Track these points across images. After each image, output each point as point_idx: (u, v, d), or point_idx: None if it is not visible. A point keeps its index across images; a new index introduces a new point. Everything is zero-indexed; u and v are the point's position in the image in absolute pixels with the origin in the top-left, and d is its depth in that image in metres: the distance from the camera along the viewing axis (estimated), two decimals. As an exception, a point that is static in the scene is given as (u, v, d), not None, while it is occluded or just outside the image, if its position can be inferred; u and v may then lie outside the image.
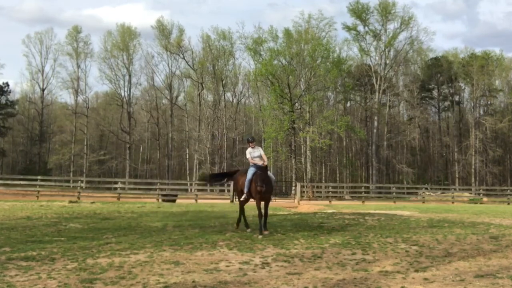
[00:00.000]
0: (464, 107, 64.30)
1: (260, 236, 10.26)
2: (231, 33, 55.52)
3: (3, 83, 57.52)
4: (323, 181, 50.67)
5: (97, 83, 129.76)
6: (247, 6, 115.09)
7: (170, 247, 8.81)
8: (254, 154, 11.23)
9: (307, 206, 23.98)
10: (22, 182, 30.67)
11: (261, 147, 12.13)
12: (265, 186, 10.63)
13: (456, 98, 63.93)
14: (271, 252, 8.51)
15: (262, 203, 10.96)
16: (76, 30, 58.82)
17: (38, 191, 27.29)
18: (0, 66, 71.15)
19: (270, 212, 18.11)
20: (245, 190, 11.03)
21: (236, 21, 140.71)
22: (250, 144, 11.32)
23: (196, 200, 28.12)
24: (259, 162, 11.08)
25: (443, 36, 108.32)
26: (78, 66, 58.47)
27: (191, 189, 35.84)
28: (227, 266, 7.31)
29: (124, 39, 58.08)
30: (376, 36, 55.45)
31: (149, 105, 63.70)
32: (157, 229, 11.64)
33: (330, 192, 35.19)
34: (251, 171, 11.02)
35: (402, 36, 55.64)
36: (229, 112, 57.92)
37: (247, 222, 11.58)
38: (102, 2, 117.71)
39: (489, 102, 62.71)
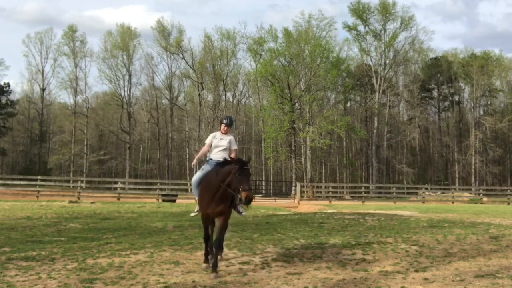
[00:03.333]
0: (464, 107, 64.33)
1: (204, 265, 7.21)
2: (235, 33, 55.60)
3: (4, 83, 57.51)
4: (323, 181, 50.67)
5: (97, 83, 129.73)
6: (248, 7, 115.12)
7: (170, 247, 8.81)
8: (220, 142, 7.62)
9: (307, 206, 23.99)
10: (22, 182, 30.68)
11: (236, 139, 8.31)
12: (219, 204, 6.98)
13: (456, 98, 63.97)
14: (271, 252, 8.51)
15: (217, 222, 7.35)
16: (72, 29, 58.61)
17: (38, 191, 27.29)
18: (5, 67, 71.25)
19: (270, 212, 18.12)
20: (196, 198, 7.48)
21: (238, 22, 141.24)
22: (224, 127, 7.69)
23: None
24: (220, 158, 7.46)
25: (443, 37, 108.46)
26: (76, 66, 58.40)
27: (191, 189, 35.80)
28: (227, 266, 7.31)
29: (124, 39, 58.07)
30: (376, 36, 55.49)
31: (149, 105, 63.73)
32: (157, 229, 11.64)
33: (330, 192, 35.18)
34: (202, 171, 7.54)
35: (402, 36, 55.79)
36: (229, 112, 57.87)
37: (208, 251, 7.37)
38: (103, 3, 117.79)
39: (489, 102, 62.75)
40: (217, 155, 7.53)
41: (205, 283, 6.24)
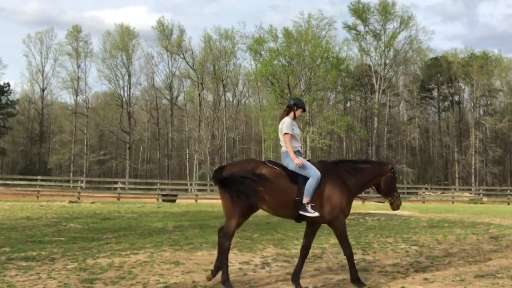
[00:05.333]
0: (464, 107, 64.35)
1: None
2: (234, 32, 55.60)
3: (4, 83, 57.56)
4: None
5: (96, 83, 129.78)
6: (248, 7, 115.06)
7: (170, 247, 8.81)
8: (297, 131, 6.46)
9: (307, 206, 23.95)
10: (22, 182, 30.72)
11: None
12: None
13: (456, 98, 64.00)
14: (271, 252, 8.51)
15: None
16: (76, 29, 58.78)
17: (38, 191, 27.33)
18: (3, 66, 71.25)
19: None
20: (306, 199, 5.97)
21: (237, 22, 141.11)
22: (300, 112, 6.52)
23: (196, 200, 28.14)
24: (297, 149, 6.34)
25: (443, 38, 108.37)
26: (78, 66, 58.52)
27: (191, 189, 35.87)
28: (227, 266, 7.30)
29: (123, 39, 58.09)
30: (376, 36, 55.49)
31: (149, 105, 63.74)
32: (157, 229, 11.64)
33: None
34: (309, 163, 6.14)
35: (402, 36, 55.81)
36: (229, 112, 57.92)
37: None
38: (104, 4, 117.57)
39: (489, 102, 62.77)
40: (297, 145, 6.35)
41: (205, 283, 6.23)
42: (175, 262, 7.46)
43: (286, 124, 6.30)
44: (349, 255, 6.15)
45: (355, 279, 6.08)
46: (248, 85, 62.29)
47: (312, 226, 6.40)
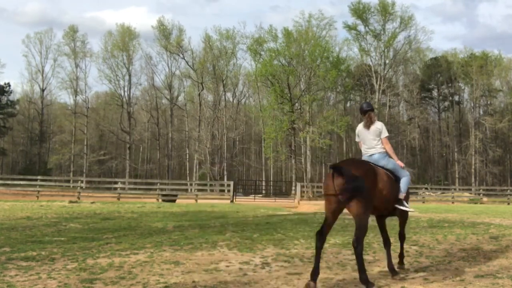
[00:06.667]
0: (464, 107, 64.39)
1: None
2: (234, 32, 55.65)
3: (5, 84, 57.65)
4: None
5: (97, 83, 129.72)
6: (249, 8, 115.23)
7: (170, 247, 8.81)
8: None
9: (307, 206, 23.99)
10: (22, 182, 30.73)
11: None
12: None
13: (456, 98, 64.06)
14: (271, 252, 8.50)
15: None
16: (73, 29, 58.82)
17: (38, 191, 27.34)
18: (1, 65, 71.32)
19: (270, 212, 18.14)
20: (403, 195, 6.75)
21: (237, 22, 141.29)
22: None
23: (196, 200, 28.15)
24: None
25: (443, 38, 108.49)
26: (77, 66, 58.54)
27: (191, 189, 35.87)
28: (227, 266, 7.31)
29: (124, 39, 58.14)
30: (376, 36, 55.49)
31: (149, 105, 63.78)
32: (157, 229, 11.63)
33: (330, 192, 35.09)
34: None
35: (402, 36, 55.87)
36: (229, 112, 57.92)
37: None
38: (105, 5, 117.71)
39: (488, 102, 62.81)
40: None
41: (205, 283, 6.23)
42: (175, 262, 7.46)
43: (385, 127, 6.88)
44: (403, 240, 7.34)
45: (391, 269, 6.76)
46: (248, 85, 62.37)
47: (383, 221, 7.28)
